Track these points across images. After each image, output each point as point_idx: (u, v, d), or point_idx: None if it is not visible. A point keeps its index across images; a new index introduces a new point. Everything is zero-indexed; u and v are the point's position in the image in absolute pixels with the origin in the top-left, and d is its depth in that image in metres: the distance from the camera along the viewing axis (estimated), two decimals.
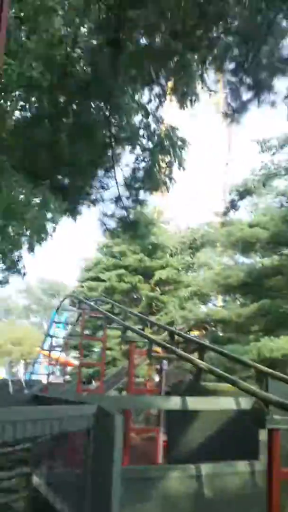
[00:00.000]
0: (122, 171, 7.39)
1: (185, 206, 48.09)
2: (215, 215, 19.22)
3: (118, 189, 7.14)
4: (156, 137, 8.48)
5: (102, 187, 7.69)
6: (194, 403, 5.30)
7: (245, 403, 5.25)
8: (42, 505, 3.10)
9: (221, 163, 47.78)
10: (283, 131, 17.46)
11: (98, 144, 6.54)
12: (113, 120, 7.43)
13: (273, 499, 3.54)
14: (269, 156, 18.50)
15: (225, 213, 18.08)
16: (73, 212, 8.43)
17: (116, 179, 7.02)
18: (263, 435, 5.05)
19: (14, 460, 2.75)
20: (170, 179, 8.74)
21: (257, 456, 5.37)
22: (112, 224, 7.90)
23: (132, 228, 8.01)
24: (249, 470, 5.31)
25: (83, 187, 7.57)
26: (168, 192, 9.23)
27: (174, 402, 5.38)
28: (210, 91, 6.05)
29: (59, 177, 7.67)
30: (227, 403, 5.50)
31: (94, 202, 7.79)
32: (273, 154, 18.71)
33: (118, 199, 7.45)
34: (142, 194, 7.87)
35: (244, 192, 17.45)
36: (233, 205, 17.93)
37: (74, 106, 6.63)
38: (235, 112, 5.83)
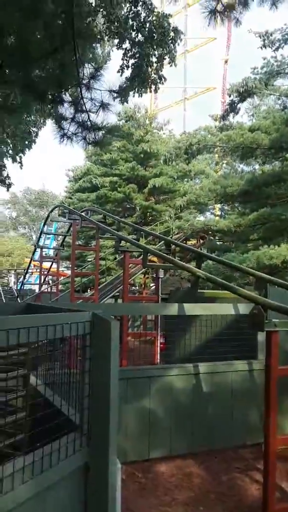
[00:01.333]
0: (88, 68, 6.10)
1: (181, 109, 45.58)
2: (213, 119, 18.00)
3: (80, 90, 5.88)
4: (146, 30, 7.43)
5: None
6: (192, 309, 5.30)
7: (244, 309, 5.28)
8: (40, 402, 3.16)
9: (219, 61, 44.04)
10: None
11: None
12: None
13: (270, 393, 3.71)
14: (271, 51, 16.90)
15: (224, 117, 16.89)
16: (55, 114, 7.52)
17: (79, 77, 5.79)
18: (261, 338, 5.22)
19: (10, 363, 2.73)
20: (160, 77, 7.86)
21: (256, 356, 5.61)
22: (71, 129, 6.44)
23: (94, 134, 6.50)
24: (247, 368, 5.57)
25: (56, 84, 6.38)
26: (156, 91, 8.33)
27: (171, 309, 5.39)
28: None
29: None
30: (225, 309, 5.54)
31: (72, 103, 6.59)
32: (276, 49, 17.04)
33: (78, 101, 6.10)
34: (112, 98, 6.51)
35: (245, 93, 16.07)
36: (232, 108, 16.67)
37: None
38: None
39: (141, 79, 7.59)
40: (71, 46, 5.32)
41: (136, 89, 7.70)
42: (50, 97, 6.45)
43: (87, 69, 6.24)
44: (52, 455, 2.33)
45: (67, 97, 6.26)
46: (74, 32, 5.17)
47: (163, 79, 7.90)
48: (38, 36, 5.61)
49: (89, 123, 6.16)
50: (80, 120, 6.21)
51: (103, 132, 6.41)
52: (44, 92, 6.15)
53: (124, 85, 7.25)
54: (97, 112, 6.10)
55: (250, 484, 4.51)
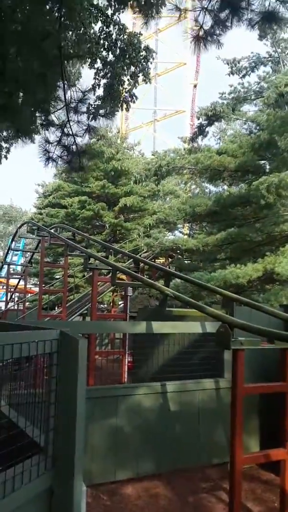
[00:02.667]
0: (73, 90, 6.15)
1: (151, 130, 46.48)
2: (182, 141, 18.48)
3: (67, 111, 5.92)
4: (118, 49, 7.62)
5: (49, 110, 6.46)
6: (160, 327, 5.33)
7: (211, 327, 5.36)
8: (4, 423, 3.06)
9: (189, 85, 45.47)
10: (255, 50, 16.45)
11: (49, 56, 5.42)
12: (67, 29, 6.36)
13: (236, 412, 3.75)
14: (238, 78, 17.70)
15: (193, 139, 17.40)
16: (27, 132, 7.51)
17: (65, 100, 5.85)
18: (227, 356, 5.29)
19: None
20: (131, 95, 8.04)
21: (222, 374, 5.67)
22: (57, 152, 6.40)
23: (78, 158, 6.40)
24: (214, 387, 5.61)
25: (33, 106, 6.39)
26: (128, 110, 8.49)
27: (139, 327, 5.40)
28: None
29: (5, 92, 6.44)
30: (193, 327, 5.60)
31: (44, 125, 6.62)
32: (243, 76, 17.86)
33: (64, 125, 6.10)
34: (97, 120, 6.58)
35: (213, 117, 16.69)
36: (201, 131, 17.23)
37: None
38: (207, 34, 5.06)
39: (112, 98, 7.73)
40: (55, 68, 5.37)
41: (108, 108, 7.82)
42: (38, 121, 6.47)
43: (73, 92, 6.30)
44: (15, 478, 2.25)
45: (54, 120, 6.28)
46: (62, 55, 5.22)
47: (134, 97, 8.06)
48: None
49: (74, 147, 6.18)
50: (66, 144, 6.24)
51: (88, 156, 6.46)
52: (31, 115, 6.17)
53: (98, 103, 7.34)
54: (82, 135, 6.16)
55: (217, 504, 4.50)
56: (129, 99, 8.01)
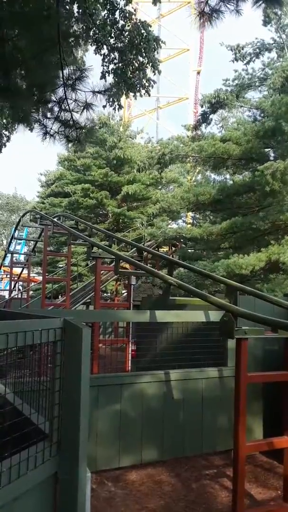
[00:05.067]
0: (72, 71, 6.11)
1: (154, 118, 46.01)
2: (185, 129, 18.25)
3: (64, 88, 5.90)
4: (125, 36, 7.48)
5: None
6: (164, 316, 5.33)
7: (214, 316, 5.35)
8: (9, 411, 3.09)
9: (192, 73, 44.81)
10: (259, 36, 16.16)
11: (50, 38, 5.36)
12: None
13: (240, 400, 3.77)
14: (243, 65, 17.41)
15: (196, 127, 17.19)
16: (27, 119, 7.45)
17: (63, 78, 5.81)
18: (231, 344, 5.30)
19: None
20: (148, 80, 7.88)
21: (226, 363, 5.69)
22: (54, 128, 6.40)
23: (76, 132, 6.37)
24: (217, 375, 5.63)
25: (34, 89, 6.34)
26: (149, 95, 8.31)
27: (143, 316, 5.40)
28: None
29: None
30: (196, 316, 5.60)
31: (43, 102, 6.55)
32: (248, 62, 17.56)
33: (62, 101, 6.19)
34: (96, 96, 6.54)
35: (216, 104, 16.45)
36: (204, 118, 17.02)
37: None
38: (213, 11, 4.93)
39: (126, 84, 7.60)
40: (54, 49, 5.32)
41: (124, 93, 7.72)
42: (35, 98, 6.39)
43: (72, 71, 6.24)
44: (20, 464, 2.27)
45: (52, 97, 6.22)
46: (60, 34, 5.16)
47: (151, 82, 7.90)
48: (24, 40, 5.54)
49: (71, 122, 6.15)
50: (63, 119, 6.21)
51: (85, 130, 6.41)
52: (30, 93, 6.09)
53: (111, 89, 7.23)
54: (81, 112, 6.12)
55: (220, 491, 4.54)
56: (147, 84, 7.81)
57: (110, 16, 7.45)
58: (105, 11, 7.45)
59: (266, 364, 5.60)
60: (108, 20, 7.44)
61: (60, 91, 5.89)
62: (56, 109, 6.15)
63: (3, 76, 5.50)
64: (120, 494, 4.38)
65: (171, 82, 47.00)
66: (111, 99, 7.37)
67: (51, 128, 6.29)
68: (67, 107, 6.01)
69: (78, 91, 5.87)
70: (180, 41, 43.83)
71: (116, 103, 7.64)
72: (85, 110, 6.08)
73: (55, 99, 6.05)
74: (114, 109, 7.77)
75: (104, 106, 7.32)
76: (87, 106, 6.06)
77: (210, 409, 5.54)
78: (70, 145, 6.83)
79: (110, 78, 7.68)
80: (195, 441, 5.41)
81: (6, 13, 5.12)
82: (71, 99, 5.93)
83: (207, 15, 4.83)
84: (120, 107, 7.87)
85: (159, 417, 5.23)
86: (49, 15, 5.15)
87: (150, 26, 7.81)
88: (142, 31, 7.48)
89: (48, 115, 6.23)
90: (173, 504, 4.21)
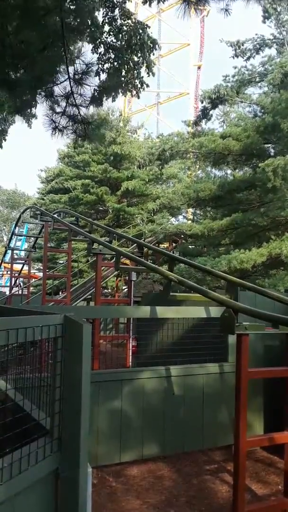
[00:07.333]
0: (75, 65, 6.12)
1: (154, 113, 45.83)
2: (185, 125, 18.19)
3: (70, 83, 5.93)
4: (122, 35, 7.43)
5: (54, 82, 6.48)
6: (164, 312, 5.32)
7: (215, 312, 5.35)
8: (10, 406, 3.10)
9: (192, 68, 44.57)
10: (259, 32, 16.09)
11: (50, 33, 5.35)
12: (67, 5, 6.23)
13: (241, 395, 3.76)
14: (243, 61, 17.35)
15: (197, 123, 17.13)
16: (25, 112, 7.42)
17: (68, 73, 5.82)
18: (231, 340, 5.30)
19: None
20: (141, 82, 7.85)
21: (226, 358, 5.69)
22: (62, 123, 6.50)
23: (84, 128, 6.55)
24: (218, 371, 5.64)
25: (34, 81, 6.34)
26: (138, 97, 8.29)
27: (143, 311, 5.40)
28: None
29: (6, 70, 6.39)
30: (197, 312, 5.59)
31: (48, 96, 6.55)
32: (248, 59, 17.50)
33: (69, 95, 6.13)
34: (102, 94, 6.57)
35: (217, 100, 16.38)
36: (205, 114, 16.95)
37: None
38: None
39: (120, 83, 7.56)
40: (58, 43, 5.33)
41: (119, 91, 7.69)
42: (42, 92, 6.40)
43: (78, 65, 6.24)
44: (22, 460, 2.27)
45: (58, 91, 6.24)
46: (64, 28, 5.15)
47: (144, 84, 7.87)
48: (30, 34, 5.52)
49: (79, 117, 6.17)
50: (71, 114, 6.23)
51: (93, 126, 6.43)
52: (36, 86, 6.10)
53: (106, 85, 7.21)
54: (87, 106, 6.15)
55: (221, 486, 4.55)
56: (139, 85, 7.78)
57: (109, 13, 7.38)
58: (104, 9, 7.37)
59: (266, 359, 5.60)
60: (106, 18, 7.37)
61: (66, 85, 5.91)
62: (63, 104, 6.18)
63: (6, 68, 5.51)
64: (121, 489, 4.40)
65: (171, 75, 46.59)
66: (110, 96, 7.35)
67: (59, 123, 6.33)
68: (74, 102, 6.03)
69: (85, 85, 5.89)
70: (181, 36, 43.63)
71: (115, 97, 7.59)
72: (91, 105, 6.11)
73: (61, 93, 6.08)
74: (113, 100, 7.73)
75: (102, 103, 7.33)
76: (94, 100, 6.09)
77: (210, 404, 5.55)
78: (79, 140, 6.86)
79: (103, 76, 7.65)
80: (196, 437, 5.42)
81: (8, 5, 5.11)
82: (77, 94, 5.94)
83: (193, 3, 4.84)
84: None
85: (159, 412, 5.24)
86: (52, 7, 5.14)
87: (149, 27, 7.73)
88: (140, 31, 7.42)
89: (57, 109, 6.26)
90: (174, 499, 4.22)
